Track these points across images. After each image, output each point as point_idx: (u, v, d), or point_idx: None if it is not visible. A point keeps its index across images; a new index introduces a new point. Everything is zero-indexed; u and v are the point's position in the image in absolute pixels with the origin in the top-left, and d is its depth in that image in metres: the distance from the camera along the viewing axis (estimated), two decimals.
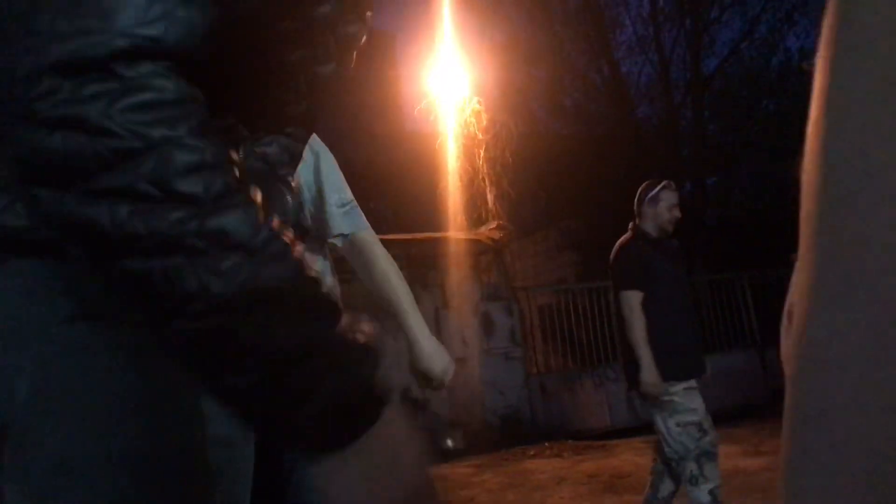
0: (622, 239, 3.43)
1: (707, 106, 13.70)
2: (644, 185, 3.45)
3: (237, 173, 0.52)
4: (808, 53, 13.92)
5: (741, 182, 14.45)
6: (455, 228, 8.57)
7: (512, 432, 7.74)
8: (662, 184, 3.39)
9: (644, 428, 7.94)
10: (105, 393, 0.57)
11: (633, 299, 3.19)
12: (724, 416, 8.01)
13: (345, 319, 0.55)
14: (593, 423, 8.16)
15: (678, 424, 3.04)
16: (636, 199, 3.43)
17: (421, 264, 7.67)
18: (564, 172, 11.05)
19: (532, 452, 6.95)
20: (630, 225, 3.45)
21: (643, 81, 13.98)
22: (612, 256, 3.42)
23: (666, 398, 3.07)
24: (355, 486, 0.57)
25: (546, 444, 7.24)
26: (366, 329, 0.57)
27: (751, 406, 8.17)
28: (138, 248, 0.47)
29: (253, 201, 0.52)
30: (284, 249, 0.52)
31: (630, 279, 3.25)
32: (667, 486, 3.31)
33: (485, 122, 9.15)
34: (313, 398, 0.52)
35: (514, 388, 8.16)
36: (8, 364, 0.55)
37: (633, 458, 6.26)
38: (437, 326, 7.88)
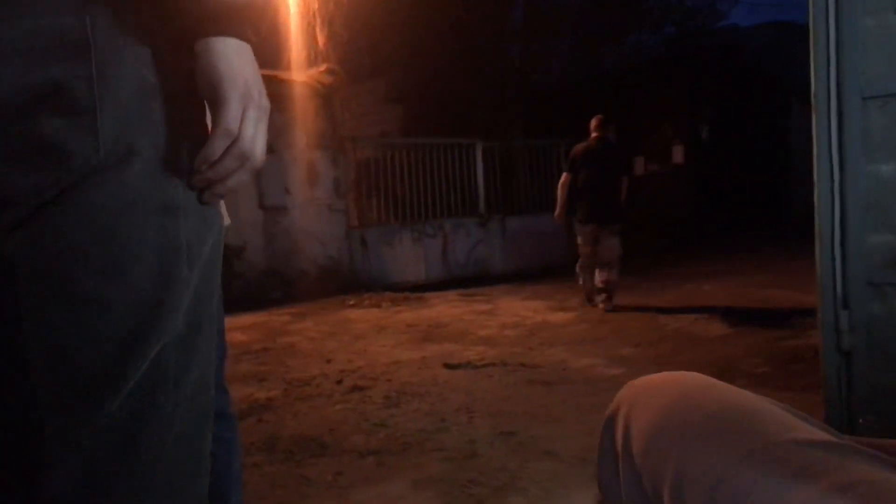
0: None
1: None
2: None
3: None
4: None
5: (562, 54, 14.77)
6: (282, 68, 7.98)
7: (330, 283, 7.76)
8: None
9: (454, 282, 8.37)
10: None
11: None
12: (531, 275, 8.62)
13: None
14: (410, 277, 8.41)
15: None
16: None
17: None
18: (398, 23, 10.62)
19: (351, 302, 7.05)
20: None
21: None
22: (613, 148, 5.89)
23: None
24: None
25: (365, 294, 7.37)
26: None
27: (553, 266, 8.81)
28: None
29: None
30: None
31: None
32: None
33: None
34: None
35: (334, 241, 8.11)
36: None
37: (447, 309, 6.56)
38: (258, 173, 7.48)
